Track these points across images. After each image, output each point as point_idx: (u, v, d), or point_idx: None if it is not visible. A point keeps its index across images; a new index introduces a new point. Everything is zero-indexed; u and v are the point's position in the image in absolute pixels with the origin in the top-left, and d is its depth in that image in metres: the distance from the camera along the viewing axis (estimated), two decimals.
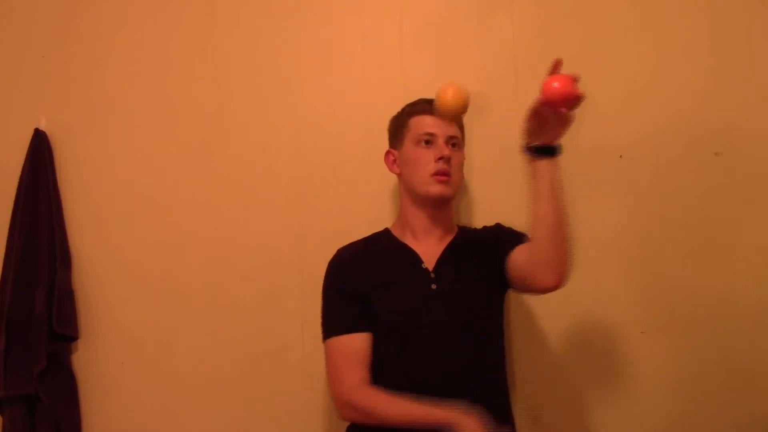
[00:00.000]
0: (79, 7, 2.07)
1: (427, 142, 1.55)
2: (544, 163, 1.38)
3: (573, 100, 1.31)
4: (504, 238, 1.55)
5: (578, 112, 1.73)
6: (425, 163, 1.54)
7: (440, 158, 1.52)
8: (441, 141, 1.55)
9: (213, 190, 1.95)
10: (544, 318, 1.70)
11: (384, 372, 1.47)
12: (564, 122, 1.36)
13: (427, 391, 1.38)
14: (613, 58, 1.74)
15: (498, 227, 1.62)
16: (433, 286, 1.51)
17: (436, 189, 1.53)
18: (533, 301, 1.69)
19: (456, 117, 1.51)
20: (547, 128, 1.37)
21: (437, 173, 1.53)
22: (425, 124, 1.57)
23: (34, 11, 2.09)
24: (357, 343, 1.47)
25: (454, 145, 1.57)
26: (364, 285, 1.51)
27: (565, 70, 1.74)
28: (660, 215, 1.70)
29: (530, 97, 1.75)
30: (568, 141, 1.73)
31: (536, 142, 1.38)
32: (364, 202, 1.84)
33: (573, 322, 1.71)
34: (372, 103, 1.75)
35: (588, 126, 1.74)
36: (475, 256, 1.54)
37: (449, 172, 1.53)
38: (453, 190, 1.56)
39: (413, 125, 1.59)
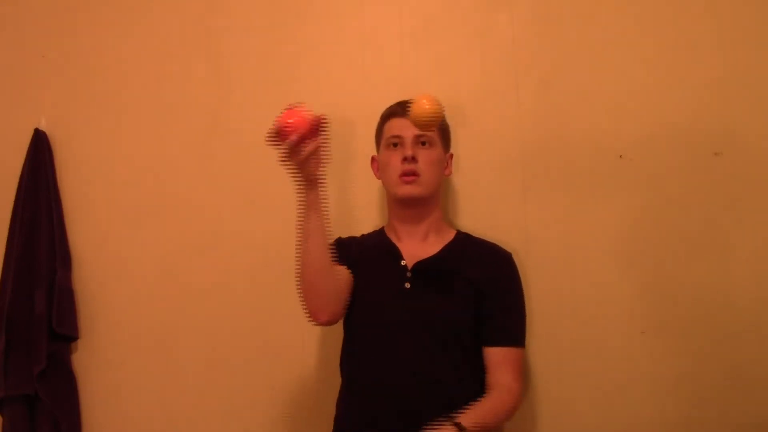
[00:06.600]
0: (79, 6, 2.08)
1: (395, 145, 1.59)
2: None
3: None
4: (495, 310, 1.52)
5: (578, 112, 1.75)
6: (393, 165, 1.57)
7: (404, 159, 1.55)
8: (408, 142, 1.57)
9: (213, 189, 1.95)
10: (543, 318, 1.70)
11: (354, 363, 1.54)
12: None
13: (392, 384, 1.45)
14: (613, 58, 1.74)
15: (504, 273, 1.59)
16: (407, 285, 1.53)
17: (403, 190, 1.56)
18: (532, 300, 1.68)
19: (427, 126, 1.48)
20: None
21: (402, 174, 1.55)
22: (393, 126, 1.61)
23: (34, 11, 2.10)
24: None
25: (424, 143, 1.58)
26: (352, 264, 1.56)
27: (565, 69, 1.77)
28: (660, 215, 1.69)
29: (530, 97, 1.78)
30: (568, 141, 1.76)
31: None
32: (364, 202, 1.85)
33: (573, 322, 1.71)
34: (372, 103, 1.74)
35: (588, 126, 1.74)
36: (462, 274, 1.54)
37: (416, 171, 1.55)
38: (423, 190, 1.57)
39: (385, 129, 1.63)
